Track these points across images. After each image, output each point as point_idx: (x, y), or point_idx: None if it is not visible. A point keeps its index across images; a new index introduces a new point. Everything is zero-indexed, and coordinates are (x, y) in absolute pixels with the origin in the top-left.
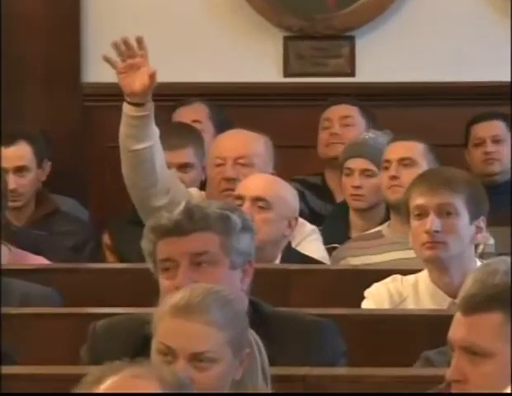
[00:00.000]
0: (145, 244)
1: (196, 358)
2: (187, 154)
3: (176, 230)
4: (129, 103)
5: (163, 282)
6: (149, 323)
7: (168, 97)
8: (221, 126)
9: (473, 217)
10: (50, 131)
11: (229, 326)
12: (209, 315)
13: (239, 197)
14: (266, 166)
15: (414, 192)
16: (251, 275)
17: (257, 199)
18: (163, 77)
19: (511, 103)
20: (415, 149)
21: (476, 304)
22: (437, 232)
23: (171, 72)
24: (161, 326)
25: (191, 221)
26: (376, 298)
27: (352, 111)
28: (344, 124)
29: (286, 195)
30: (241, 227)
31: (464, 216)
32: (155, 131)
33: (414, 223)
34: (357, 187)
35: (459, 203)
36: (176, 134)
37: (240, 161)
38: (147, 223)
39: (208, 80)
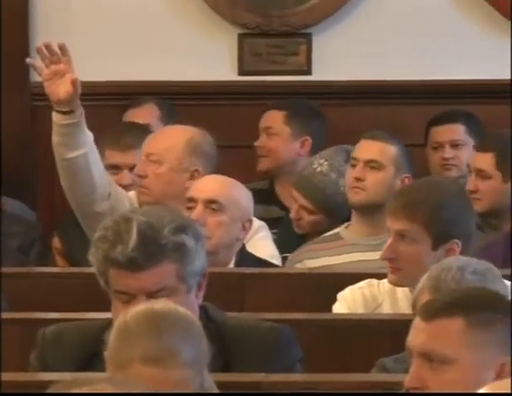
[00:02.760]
0: (95, 263)
1: None
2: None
3: (131, 267)
4: (57, 111)
5: (118, 307)
6: (100, 334)
7: (121, 96)
8: None
9: (440, 241)
10: None
11: (197, 356)
12: (181, 356)
13: (192, 200)
14: (178, 162)
15: (387, 209)
16: (205, 285)
17: (210, 201)
18: (115, 76)
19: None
20: (386, 153)
21: (437, 310)
22: (391, 259)
23: (122, 70)
24: (132, 373)
25: (146, 256)
26: (349, 302)
27: (273, 121)
28: (267, 134)
29: (240, 196)
30: (195, 246)
31: (423, 243)
32: (88, 137)
33: None
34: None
35: (416, 230)
36: (128, 135)
37: (151, 157)
38: (94, 239)
39: (160, 78)
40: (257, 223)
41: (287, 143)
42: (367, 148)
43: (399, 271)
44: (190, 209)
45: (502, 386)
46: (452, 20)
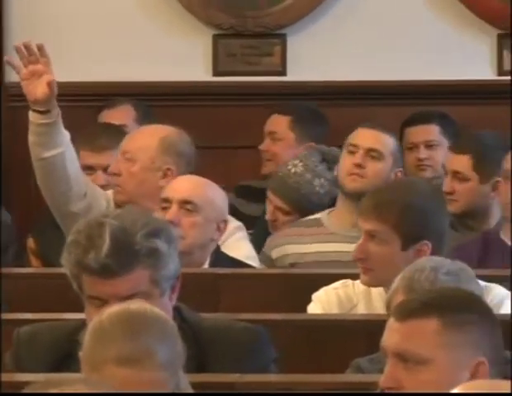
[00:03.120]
0: (68, 268)
1: None
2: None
3: (104, 274)
4: (34, 111)
5: (91, 311)
6: (74, 335)
7: (96, 97)
8: None
9: (409, 242)
10: None
11: (173, 357)
12: (157, 357)
13: (166, 200)
14: (150, 161)
15: (359, 209)
16: (179, 287)
17: (184, 202)
18: (90, 77)
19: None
20: (387, 144)
21: (411, 310)
22: (363, 259)
23: (97, 71)
24: (106, 373)
25: (119, 263)
26: (324, 303)
27: (277, 126)
28: (272, 139)
29: (215, 197)
30: (168, 250)
31: (393, 243)
32: (65, 137)
33: None
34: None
35: (385, 231)
36: (103, 136)
37: (125, 155)
38: (67, 243)
39: (135, 79)
40: (233, 224)
41: (291, 149)
42: (367, 136)
43: (370, 271)
44: (165, 209)
45: (476, 386)
46: (426, 20)
